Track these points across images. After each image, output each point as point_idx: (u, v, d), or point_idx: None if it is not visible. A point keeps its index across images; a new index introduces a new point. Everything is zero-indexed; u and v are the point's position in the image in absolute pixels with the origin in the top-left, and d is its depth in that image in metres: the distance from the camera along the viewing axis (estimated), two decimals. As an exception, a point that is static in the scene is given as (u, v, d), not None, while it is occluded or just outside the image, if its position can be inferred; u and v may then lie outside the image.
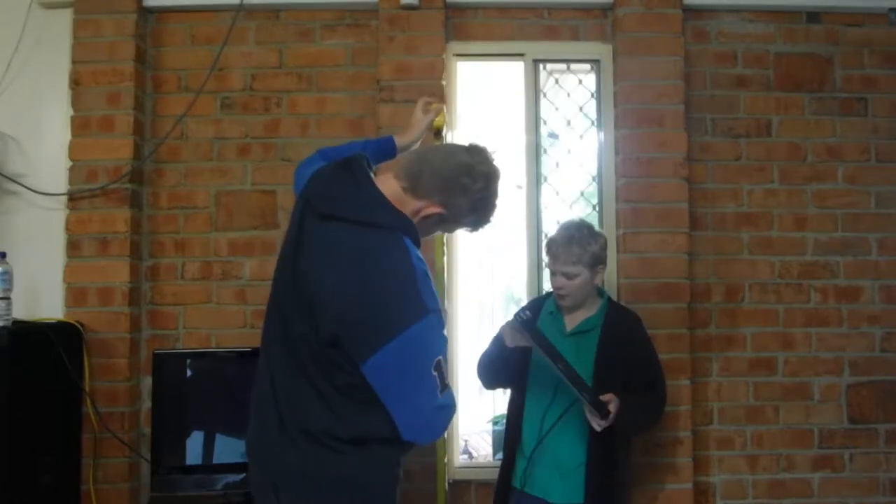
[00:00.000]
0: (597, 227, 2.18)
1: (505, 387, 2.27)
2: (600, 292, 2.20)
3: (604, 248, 2.11)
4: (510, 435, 2.16)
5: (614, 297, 2.63)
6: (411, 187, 1.55)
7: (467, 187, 1.55)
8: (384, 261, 1.45)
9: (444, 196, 1.55)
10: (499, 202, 1.63)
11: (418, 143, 2.02)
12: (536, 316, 2.14)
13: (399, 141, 1.99)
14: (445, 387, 1.47)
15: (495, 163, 1.61)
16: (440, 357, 1.45)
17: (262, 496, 1.56)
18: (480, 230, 1.69)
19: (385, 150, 1.98)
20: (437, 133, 2.09)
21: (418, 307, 1.42)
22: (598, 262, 2.09)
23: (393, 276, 1.44)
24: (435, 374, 1.44)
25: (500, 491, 2.16)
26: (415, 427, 1.49)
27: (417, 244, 1.53)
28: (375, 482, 1.52)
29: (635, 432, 2.19)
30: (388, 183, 1.56)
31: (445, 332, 1.53)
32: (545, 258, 2.19)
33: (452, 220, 1.61)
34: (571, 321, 2.14)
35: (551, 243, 2.11)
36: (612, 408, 1.91)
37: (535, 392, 2.12)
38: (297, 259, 1.53)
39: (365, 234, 1.47)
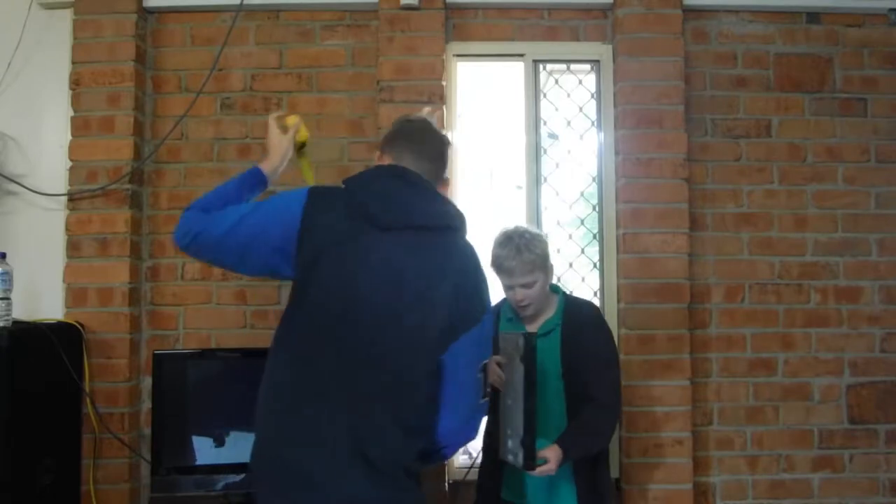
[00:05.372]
0: (534, 228, 2.12)
1: None
2: (554, 289, 2.15)
3: (547, 244, 2.06)
4: (491, 442, 2.07)
5: (614, 298, 2.64)
6: (435, 170, 1.66)
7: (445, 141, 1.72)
8: (472, 258, 1.61)
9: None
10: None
11: (284, 164, 1.82)
12: (496, 324, 2.06)
13: (265, 168, 1.77)
14: (486, 394, 1.58)
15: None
16: (486, 361, 1.56)
17: None
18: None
19: (256, 182, 1.75)
20: (302, 147, 1.88)
21: (488, 299, 1.61)
22: (548, 260, 2.05)
23: (477, 271, 1.60)
24: (480, 376, 1.53)
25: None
26: (456, 424, 1.55)
27: None
28: None
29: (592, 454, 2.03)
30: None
31: None
32: (495, 276, 2.03)
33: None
34: (532, 325, 2.09)
35: (500, 259, 2.01)
36: (549, 466, 1.85)
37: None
38: (357, 280, 1.49)
39: (447, 237, 1.59)
